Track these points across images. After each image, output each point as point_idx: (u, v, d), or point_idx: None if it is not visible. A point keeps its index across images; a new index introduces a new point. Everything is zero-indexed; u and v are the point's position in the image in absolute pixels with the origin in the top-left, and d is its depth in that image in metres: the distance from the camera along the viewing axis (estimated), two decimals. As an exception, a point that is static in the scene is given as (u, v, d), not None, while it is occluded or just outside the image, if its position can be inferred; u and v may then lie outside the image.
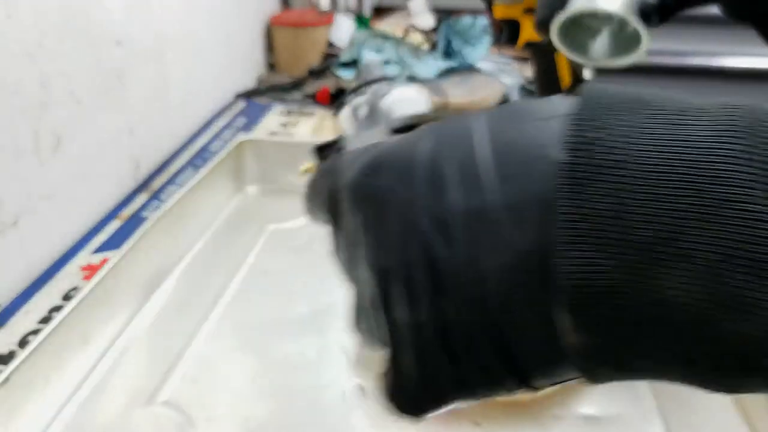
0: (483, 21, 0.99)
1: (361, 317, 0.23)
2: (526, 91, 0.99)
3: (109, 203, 0.71)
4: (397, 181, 0.20)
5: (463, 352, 0.20)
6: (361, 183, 0.21)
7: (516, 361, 0.19)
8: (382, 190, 0.21)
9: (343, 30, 1.17)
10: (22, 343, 0.50)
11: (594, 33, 0.35)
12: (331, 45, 1.18)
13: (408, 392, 0.21)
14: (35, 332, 0.51)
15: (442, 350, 0.20)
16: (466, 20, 0.99)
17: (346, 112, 0.77)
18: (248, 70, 1.12)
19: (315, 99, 1.03)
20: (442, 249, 0.19)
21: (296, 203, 0.67)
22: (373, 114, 0.66)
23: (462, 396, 0.21)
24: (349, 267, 0.23)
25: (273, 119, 0.97)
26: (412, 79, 0.91)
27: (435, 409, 0.22)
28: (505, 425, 0.40)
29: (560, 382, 0.20)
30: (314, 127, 0.94)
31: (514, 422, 0.40)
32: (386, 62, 0.93)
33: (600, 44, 0.35)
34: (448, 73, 0.94)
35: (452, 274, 0.19)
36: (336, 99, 1.01)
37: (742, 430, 0.40)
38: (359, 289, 0.22)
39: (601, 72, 0.41)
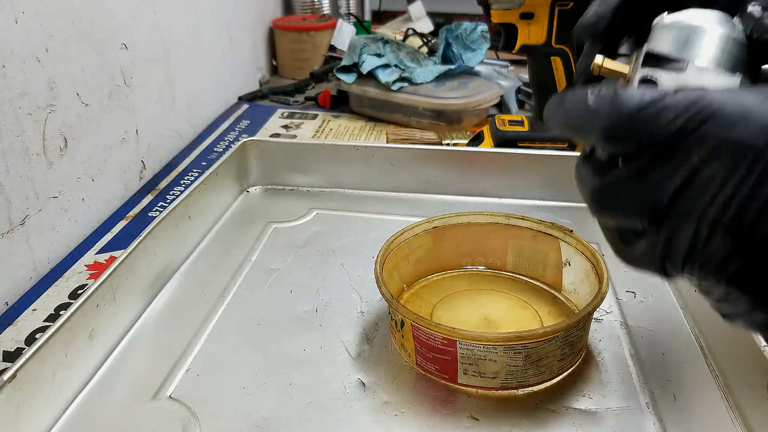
0: (483, 26, 0.99)
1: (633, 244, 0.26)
2: (522, 93, 0.99)
3: (116, 203, 0.72)
4: None
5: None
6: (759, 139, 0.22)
7: None
8: None
9: (344, 34, 1.18)
10: (29, 340, 0.51)
11: None
12: (332, 49, 1.19)
13: (675, 259, 0.24)
14: (42, 329, 0.51)
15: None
16: (466, 25, 1.00)
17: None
18: (251, 73, 1.13)
19: (317, 102, 1.05)
20: None
21: (298, 203, 0.68)
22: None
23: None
24: (649, 195, 0.24)
25: (275, 122, 0.98)
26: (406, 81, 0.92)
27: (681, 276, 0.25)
28: (501, 420, 0.41)
29: None
30: (316, 129, 0.94)
31: (511, 417, 0.41)
32: (385, 66, 0.94)
33: None
34: (445, 76, 0.95)
35: None
36: (337, 102, 1.02)
37: (736, 426, 0.40)
38: (666, 227, 0.24)
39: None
